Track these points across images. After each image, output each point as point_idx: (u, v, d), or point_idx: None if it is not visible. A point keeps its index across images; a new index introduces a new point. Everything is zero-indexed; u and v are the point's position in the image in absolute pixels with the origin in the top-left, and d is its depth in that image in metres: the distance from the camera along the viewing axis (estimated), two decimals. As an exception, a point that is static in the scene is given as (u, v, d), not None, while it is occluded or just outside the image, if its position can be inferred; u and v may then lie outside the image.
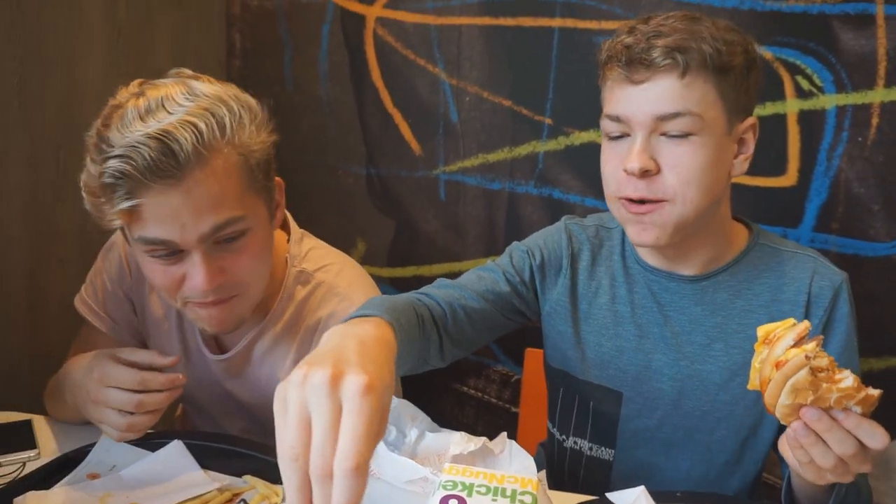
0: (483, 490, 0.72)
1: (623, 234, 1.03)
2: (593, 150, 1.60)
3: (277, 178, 0.92)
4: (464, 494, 0.71)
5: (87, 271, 1.29)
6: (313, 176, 1.48)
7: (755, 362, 0.70)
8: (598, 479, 1.02)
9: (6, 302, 1.28)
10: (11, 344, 1.29)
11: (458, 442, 0.91)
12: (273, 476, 0.85)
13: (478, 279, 1.02)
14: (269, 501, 0.81)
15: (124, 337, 1.04)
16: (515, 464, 0.85)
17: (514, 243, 1.08)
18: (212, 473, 0.86)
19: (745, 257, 0.96)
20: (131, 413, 0.81)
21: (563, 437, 1.06)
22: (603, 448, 1.02)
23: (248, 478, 0.86)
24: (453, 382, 1.79)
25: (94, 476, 0.85)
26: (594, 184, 1.63)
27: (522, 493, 0.72)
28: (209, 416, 1.06)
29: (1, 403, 1.10)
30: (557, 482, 1.08)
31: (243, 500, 0.81)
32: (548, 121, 1.65)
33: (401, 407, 0.95)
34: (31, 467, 0.86)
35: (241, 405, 1.01)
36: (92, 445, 0.89)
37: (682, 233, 0.88)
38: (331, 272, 1.00)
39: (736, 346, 0.94)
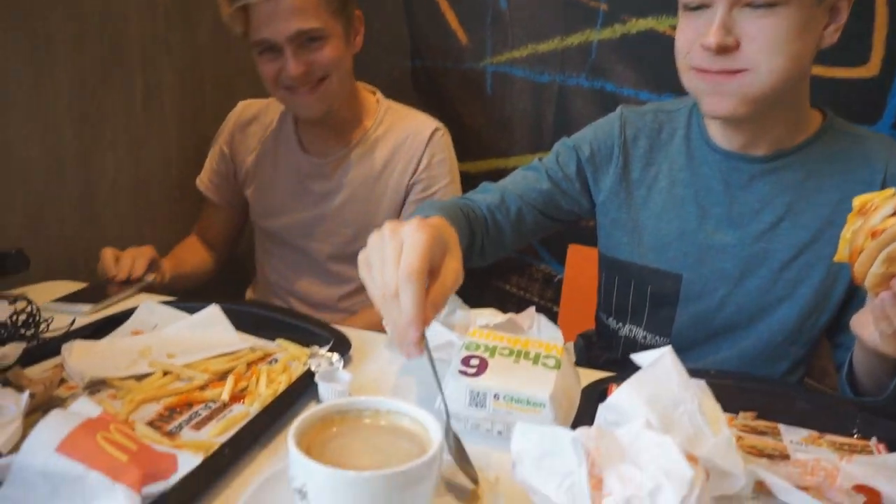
0: (506, 352, 0.71)
1: (689, 115, 1.00)
2: (652, 40, 1.52)
3: (357, 11, 1.24)
4: (486, 355, 0.71)
5: (134, 153, 1.39)
6: (357, 70, 1.45)
7: (846, 233, 0.68)
8: None
9: (61, 186, 1.32)
10: (67, 224, 1.34)
11: (486, 315, 0.90)
12: (304, 340, 0.87)
13: (521, 178, 1.04)
14: (299, 361, 0.82)
15: (222, 194, 1.45)
16: (544, 336, 0.84)
17: (563, 139, 1.07)
18: (245, 335, 0.89)
19: (819, 140, 0.91)
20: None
21: (619, 325, 1.06)
22: (658, 337, 1.02)
23: (280, 341, 0.88)
24: (495, 280, 1.78)
25: (137, 333, 0.89)
26: (650, 76, 1.53)
27: (546, 357, 0.71)
28: (286, 217, 1.36)
29: (58, 273, 1.17)
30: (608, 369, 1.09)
31: (274, 359, 0.83)
32: (603, 7, 1.53)
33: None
34: (81, 323, 0.91)
35: (323, 200, 1.33)
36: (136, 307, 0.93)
37: (761, 104, 0.84)
38: (412, 109, 1.39)
39: (804, 225, 0.91)
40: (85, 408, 0.53)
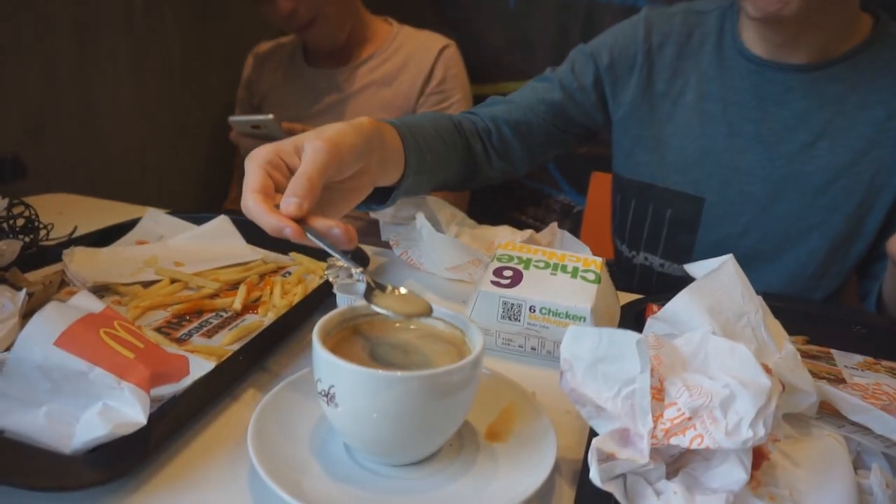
0: (541, 265, 0.66)
1: (721, 19, 0.91)
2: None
3: None
4: (520, 267, 0.65)
5: (134, 64, 1.32)
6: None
7: None
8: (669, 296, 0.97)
9: (58, 96, 1.25)
10: (66, 136, 1.28)
11: (504, 234, 0.85)
12: (319, 254, 0.82)
13: (530, 90, 0.98)
14: (314, 275, 0.77)
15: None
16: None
17: (579, 46, 0.99)
18: (256, 248, 0.83)
19: (868, 48, 0.83)
20: None
21: (633, 252, 1.00)
22: (675, 265, 0.96)
23: (293, 254, 0.83)
24: (511, 211, 1.72)
25: (142, 243, 0.83)
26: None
27: (585, 271, 0.65)
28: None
29: (58, 185, 1.11)
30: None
31: (288, 271, 0.78)
32: (640, -87, 1.41)
33: (433, 205, 0.89)
34: (84, 230, 0.85)
35: (333, 109, 1.33)
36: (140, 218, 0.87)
37: (811, 2, 0.75)
38: (426, 30, 1.39)
39: (843, 145, 0.83)
40: (86, 302, 0.48)
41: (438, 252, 0.80)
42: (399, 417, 0.41)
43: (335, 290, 0.69)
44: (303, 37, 1.31)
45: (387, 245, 0.88)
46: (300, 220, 0.50)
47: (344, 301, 0.69)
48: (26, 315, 0.56)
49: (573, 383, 0.44)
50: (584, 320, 0.60)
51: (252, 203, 0.50)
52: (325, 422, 0.48)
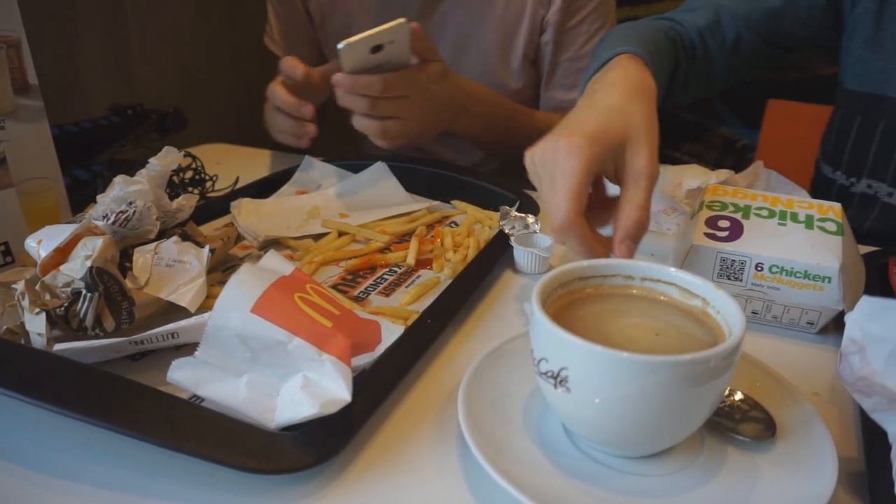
0: (764, 213, 0.55)
1: None
2: None
3: None
4: (738, 216, 0.55)
5: None
6: None
7: None
8: (890, 231, 0.81)
9: (208, 51, 1.25)
10: (219, 87, 1.29)
11: (694, 174, 0.73)
12: (483, 201, 0.76)
13: None
14: (482, 225, 0.71)
15: (302, 42, 1.10)
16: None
17: None
18: (416, 196, 0.78)
19: None
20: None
21: (853, 179, 0.84)
22: None
23: (456, 203, 0.77)
24: (663, 146, 1.57)
25: (301, 193, 0.81)
26: None
27: (822, 220, 0.54)
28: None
29: (211, 136, 1.12)
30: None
31: (454, 222, 0.73)
32: None
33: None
34: (244, 181, 0.85)
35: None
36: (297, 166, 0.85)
37: None
38: None
39: None
40: (276, 263, 0.44)
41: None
42: (646, 408, 0.34)
43: (512, 243, 0.63)
44: None
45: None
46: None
47: (523, 256, 0.63)
48: (208, 272, 0.54)
49: (864, 370, 0.35)
50: (830, 282, 0.50)
51: (570, 223, 0.48)
52: (535, 400, 0.42)
